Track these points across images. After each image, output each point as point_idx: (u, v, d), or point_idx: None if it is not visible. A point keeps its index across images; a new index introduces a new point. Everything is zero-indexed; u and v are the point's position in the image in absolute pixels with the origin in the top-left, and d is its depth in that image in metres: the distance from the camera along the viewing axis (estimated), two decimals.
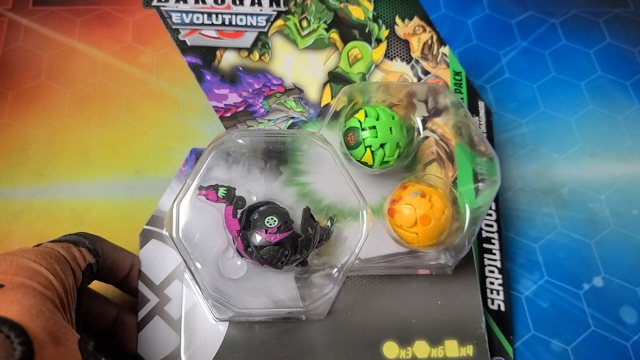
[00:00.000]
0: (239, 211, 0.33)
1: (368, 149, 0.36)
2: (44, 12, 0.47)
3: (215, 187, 0.33)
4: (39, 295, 0.24)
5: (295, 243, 0.33)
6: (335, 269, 0.33)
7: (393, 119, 0.36)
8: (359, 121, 0.36)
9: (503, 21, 0.53)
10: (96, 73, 0.45)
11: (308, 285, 0.34)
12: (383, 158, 0.36)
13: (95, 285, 0.34)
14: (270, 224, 0.32)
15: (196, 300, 0.35)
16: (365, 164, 0.37)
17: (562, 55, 0.52)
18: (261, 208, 0.33)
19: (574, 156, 0.47)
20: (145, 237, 0.37)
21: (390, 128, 0.36)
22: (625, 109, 0.50)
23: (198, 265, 0.31)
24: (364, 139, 0.36)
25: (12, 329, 0.20)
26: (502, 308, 0.40)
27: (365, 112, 0.37)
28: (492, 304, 0.40)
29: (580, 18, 0.54)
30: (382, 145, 0.36)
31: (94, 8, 0.47)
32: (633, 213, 0.45)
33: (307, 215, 0.34)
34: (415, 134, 0.39)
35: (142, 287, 0.35)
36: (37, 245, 0.29)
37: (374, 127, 0.36)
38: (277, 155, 0.36)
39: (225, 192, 0.34)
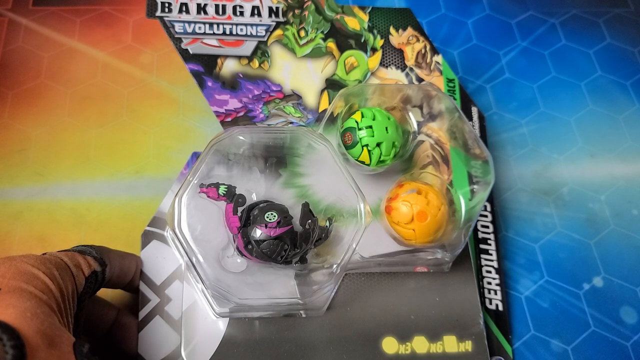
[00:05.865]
0: (240, 209, 0.35)
1: (365, 148, 0.37)
2: (44, 12, 0.47)
3: (216, 185, 0.35)
4: (35, 298, 0.24)
5: (294, 237, 0.34)
6: (334, 265, 0.34)
7: (389, 119, 0.38)
8: (356, 121, 0.38)
9: (503, 21, 0.53)
10: (96, 73, 0.45)
11: (307, 282, 0.35)
12: (380, 157, 0.37)
13: None
14: (270, 219, 0.33)
15: (196, 297, 0.36)
16: (362, 162, 0.38)
17: (562, 55, 0.51)
18: (261, 205, 0.35)
19: (574, 156, 0.47)
20: (147, 238, 0.38)
21: (386, 128, 0.37)
22: (625, 109, 0.49)
23: (199, 257, 0.32)
24: (360, 139, 0.37)
25: (5, 332, 0.21)
26: (500, 308, 0.40)
27: (362, 113, 0.38)
28: (490, 303, 0.40)
29: (580, 18, 0.54)
30: (378, 144, 0.37)
31: (94, 8, 0.48)
32: (633, 213, 0.45)
33: (306, 209, 0.35)
34: (411, 136, 0.41)
35: (143, 287, 0.37)
36: (43, 254, 0.29)
37: (371, 127, 0.37)
38: (276, 152, 0.38)
39: (226, 189, 0.35)
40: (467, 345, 0.37)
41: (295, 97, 0.45)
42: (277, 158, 0.37)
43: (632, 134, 0.49)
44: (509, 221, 0.44)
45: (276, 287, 0.35)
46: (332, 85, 0.46)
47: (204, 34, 0.47)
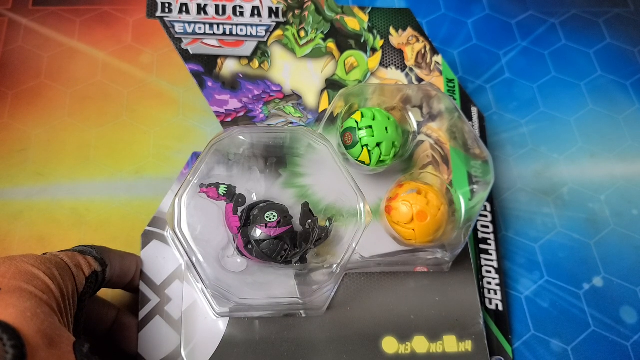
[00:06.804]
0: (240, 209, 0.35)
1: (365, 148, 0.37)
2: (44, 12, 0.47)
3: (216, 185, 0.35)
4: (35, 298, 0.24)
5: (294, 237, 0.34)
6: (334, 265, 0.34)
7: (389, 119, 0.38)
8: (356, 121, 0.38)
9: (503, 21, 0.53)
10: (96, 73, 0.45)
11: (307, 282, 0.35)
12: (379, 157, 0.38)
13: None
14: (270, 219, 0.33)
15: (196, 297, 0.36)
16: (362, 162, 0.38)
17: (562, 55, 0.51)
18: (261, 204, 0.35)
19: (574, 156, 0.47)
20: (147, 238, 0.38)
21: (386, 128, 0.37)
22: (625, 109, 0.50)
23: (199, 257, 0.33)
24: (360, 139, 0.37)
25: (5, 332, 0.21)
26: (500, 308, 0.40)
27: (362, 112, 0.38)
28: (490, 303, 0.40)
29: (580, 18, 0.54)
30: (378, 144, 0.37)
31: (94, 8, 0.48)
32: (633, 213, 0.45)
33: (306, 209, 0.35)
34: (411, 136, 0.41)
35: (143, 287, 0.37)
36: (44, 254, 0.30)
37: (370, 127, 0.37)
38: (276, 152, 0.38)
39: (226, 189, 0.35)
40: (467, 345, 0.37)
41: (295, 97, 0.45)
42: (277, 158, 0.37)
43: (632, 134, 0.49)
44: (509, 221, 0.44)
45: (276, 287, 0.35)
46: (332, 85, 0.46)
47: (204, 34, 0.47)
